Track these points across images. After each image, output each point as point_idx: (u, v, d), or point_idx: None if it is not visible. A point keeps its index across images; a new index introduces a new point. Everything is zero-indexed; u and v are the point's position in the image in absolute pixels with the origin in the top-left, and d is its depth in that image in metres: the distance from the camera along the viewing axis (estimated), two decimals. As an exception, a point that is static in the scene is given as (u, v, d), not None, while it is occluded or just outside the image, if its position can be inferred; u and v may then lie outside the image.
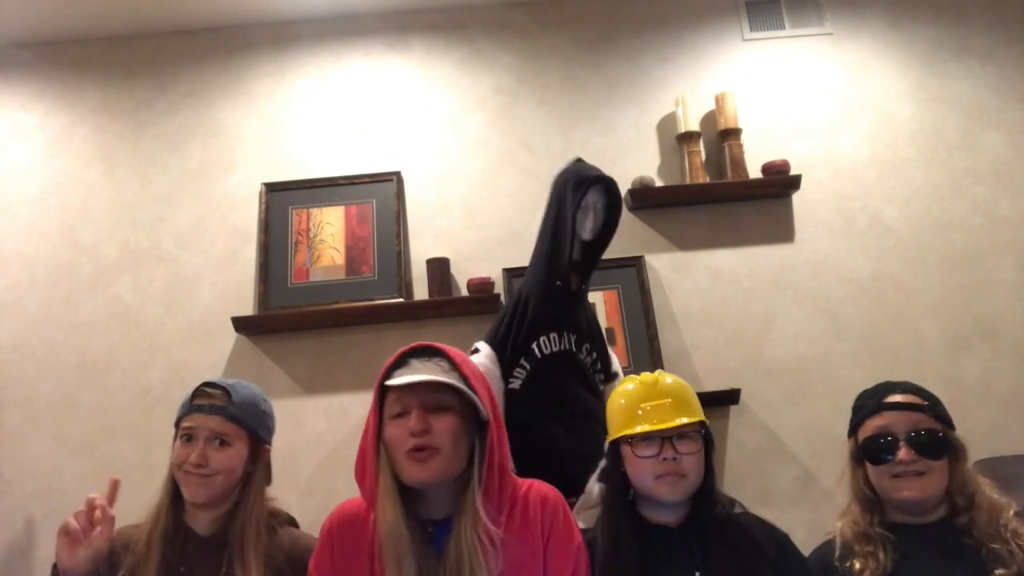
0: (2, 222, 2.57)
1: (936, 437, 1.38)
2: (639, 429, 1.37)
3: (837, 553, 1.41)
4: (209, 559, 1.43)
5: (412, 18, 2.75)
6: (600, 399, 1.85)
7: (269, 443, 1.59)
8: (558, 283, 1.86)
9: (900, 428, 1.40)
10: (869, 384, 2.38)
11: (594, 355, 1.93)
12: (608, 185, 1.88)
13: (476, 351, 1.84)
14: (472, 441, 1.30)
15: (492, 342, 1.85)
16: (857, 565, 1.36)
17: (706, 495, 1.40)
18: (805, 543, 1.48)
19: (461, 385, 1.28)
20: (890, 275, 2.50)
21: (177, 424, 1.52)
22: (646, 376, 1.46)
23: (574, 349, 1.88)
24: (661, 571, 1.35)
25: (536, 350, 1.83)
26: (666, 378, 1.45)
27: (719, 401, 2.33)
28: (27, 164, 2.63)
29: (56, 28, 2.66)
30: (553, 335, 1.85)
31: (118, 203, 2.59)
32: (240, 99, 2.69)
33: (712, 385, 2.38)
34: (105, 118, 2.67)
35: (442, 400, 1.28)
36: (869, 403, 1.48)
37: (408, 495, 1.27)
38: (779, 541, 1.42)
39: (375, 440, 1.29)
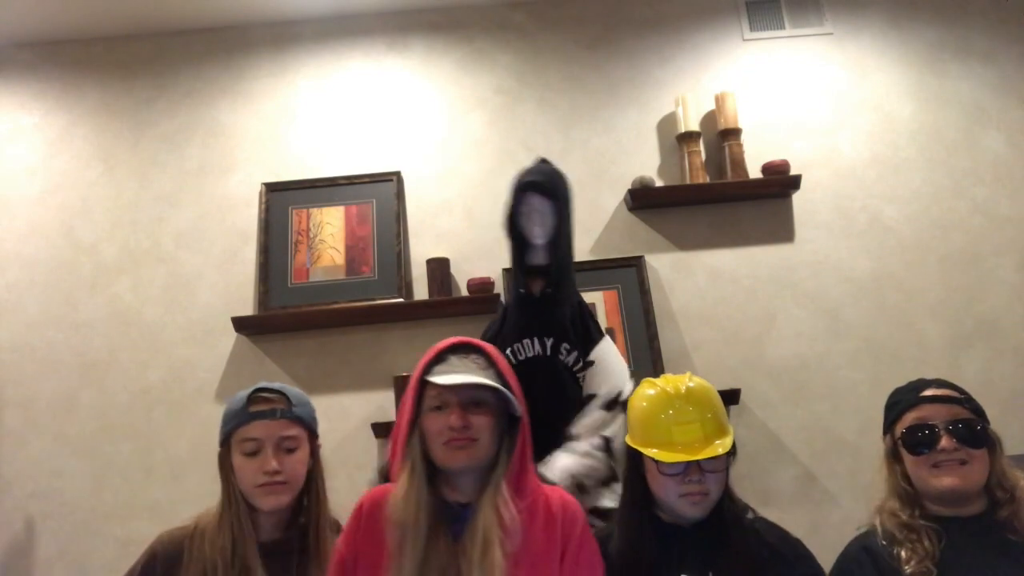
0: (2, 222, 2.57)
1: (975, 427, 1.39)
2: (670, 459, 1.32)
3: (881, 537, 1.39)
4: (276, 565, 1.40)
5: (412, 18, 2.75)
6: (577, 400, 1.85)
7: (319, 439, 1.55)
8: (521, 290, 1.88)
9: (940, 419, 1.40)
10: (869, 384, 2.41)
11: (575, 354, 1.89)
12: (540, 189, 1.85)
13: None
14: (502, 432, 1.37)
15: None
16: (904, 553, 1.34)
17: (722, 497, 1.38)
18: (805, 543, 1.48)
19: (499, 386, 1.34)
20: (890, 275, 2.50)
21: (228, 437, 1.45)
22: (672, 382, 1.41)
23: (549, 353, 1.86)
24: (674, 570, 1.35)
25: (512, 356, 1.83)
26: (690, 382, 1.41)
27: (719, 401, 2.33)
28: (27, 164, 2.63)
29: (56, 28, 2.66)
30: (526, 341, 1.86)
31: (118, 203, 2.59)
32: (240, 99, 2.69)
33: (712, 385, 2.37)
34: (105, 118, 2.67)
35: (480, 397, 1.34)
36: (906, 398, 1.47)
37: (436, 479, 1.34)
38: (794, 545, 1.42)
39: (408, 428, 1.36)
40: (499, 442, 1.36)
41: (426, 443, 1.34)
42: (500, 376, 1.37)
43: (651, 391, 1.42)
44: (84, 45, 2.73)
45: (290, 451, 1.44)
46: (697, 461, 1.32)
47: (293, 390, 1.52)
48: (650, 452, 1.36)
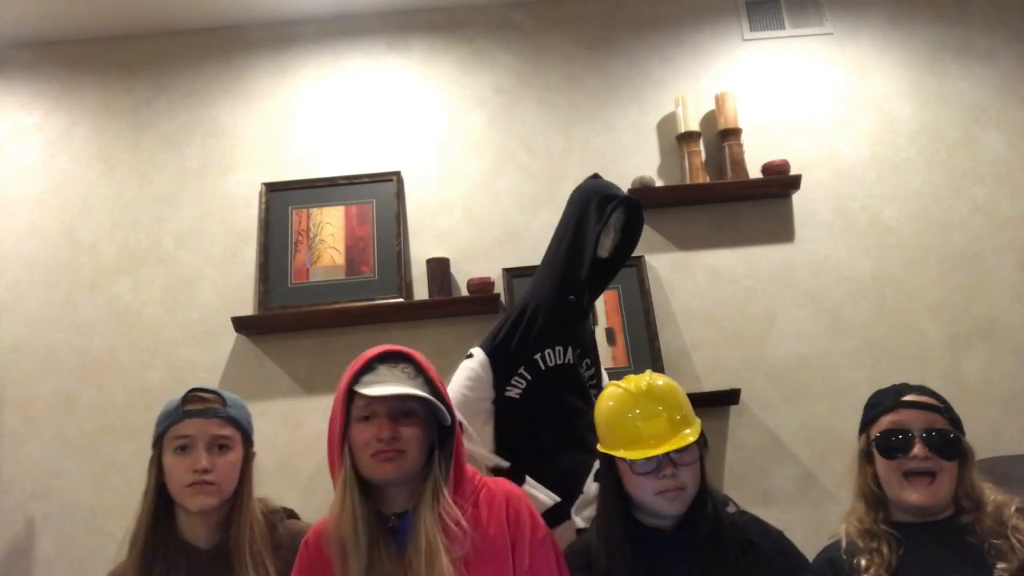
0: (2, 222, 2.57)
1: (949, 438, 1.39)
2: (639, 456, 1.32)
3: (844, 549, 1.41)
4: (216, 573, 1.40)
5: (412, 18, 2.75)
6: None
7: (253, 447, 1.55)
8: (571, 297, 1.85)
9: (916, 425, 1.41)
10: (869, 384, 2.38)
11: (592, 369, 1.93)
12: (635, 207, 1.90)
13: (470, 356, 1.83)
14: (432, 440, 1.35)
15: (488, 348, 1.83)
16: (863, 562, 1.36)
17: (701, 498, 1.39)
18: (805, 543, 1.48)
19: (428, 395, 1.32)
20: (890, 275, 2.50)
21: (160, 437, 1.46)
22: (634, 382, 1.41)
23: (575, 363, 1.87)
24: (656, 574, 1.35)
25: (540, 362, 1.81)
26: (656, 381, 1.41)
27: (719, 401, 2.33)
28: (27, 164, 2.63)
29: (56, 28, 2.66)
30: (559, 348, 1.83)
31: (118, 203, 2.59)
32: (240, 99, 2.69)
33: (712, 385, 2.38)
34: (105, 118, 2.67)
35: (408, 407, 1.33)
36: (886, 400, 1.48)
37: (369, 491, 1.32)
38: (775, 539, 1.42)
39: (340, 440, 1.34)
40: (428, 451, 1.34)
41: (354, 454, 1.32)
42: (429, 384, 1.35)
43: (615, 392, 1.42)
44: (84, 45, 2.73)
45: (223, 450, 1.44)
46: (668, 455, 1.32)
47: (230, 394, 1.52)
48: (619, 453, 1.36)
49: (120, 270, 2.53)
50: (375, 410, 1.31)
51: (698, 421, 1.40)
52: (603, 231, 1.85)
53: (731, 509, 1.44)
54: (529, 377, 1.81)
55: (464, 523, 1.27)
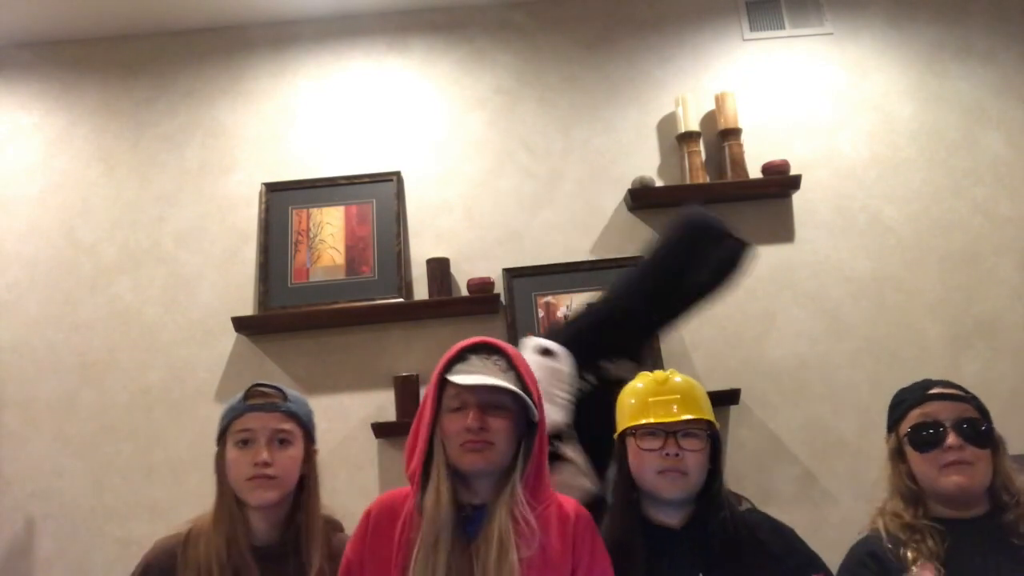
0: (2, 222, 2.57)
1: (981, 427, 1.39)
2: (643, 421, 1.38)
3: (886, 540, 1.39)
4: (272, 570, 1.38)
5: (412, 18, 2.75)
6: None
7: (316, 444, 1.54)
8: (655, 318, 1.83)
9: (947, 416, 1.40)
10: (869, 384, 2.41)
11: None
12: (747, 252, 1.83)
13: (549, 352, 1.74)
14: (520, 436, 1.36)
15: (566, 342, 1.76)
16: (909, 553, 1.34)
17: (712, 497, 1.39)
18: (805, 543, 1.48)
19: (519, 390, 1.32)
20: (890, 275, 2.50)
21: (224, 432, 1.45)
22: (657, 374, 1.47)
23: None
24: (664, 573, 1.35)
25: (605, 370, 1.77)
26: (676, 376, 1.46)
27: (719, 401, 2.32)
28: (27, 164, 2.63)
29: (56, 28, 2.66)
30: (624, 363, 1.78)
31: (118, 203, 2.59)
32: (240, 99, 2.69)
33: (712, 385, 2.37)
34: (105, 118, 2.67)
35: (499, 400, 1.33)
36: (912, 396, 1.46)
37: (452, 480, 1.33)
38: (785, 536, 1.42)
39: (430, 428, 1.34)
40: (516, 446, 1.34)
41: (446, 445, 1.33)
42: (520, 379, 1.35)
43: (639, 384, 1.48)
44: (84, 45, 2.73)
45: (284, 445, 1.43)
46: (675, 436, 1.36)
47: (292, 391, 1.52)
48: (626, 423, 1.41)
49: (120, 270, 2.53)
50: (466, 400, 1.32)
51: (712, 417, 1.43)
52: (700, 260, 1.80)
53: (744, 507, 1.45)
54: (593, 382, 1.76)
55: (534, 524, 1.27)
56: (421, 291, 2.49)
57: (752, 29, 2.75)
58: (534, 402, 1.34)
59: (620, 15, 2.75)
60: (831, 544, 1.48)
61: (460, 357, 1.37)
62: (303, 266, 2.49)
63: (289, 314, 2.42)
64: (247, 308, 2.47)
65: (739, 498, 1.47)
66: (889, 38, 2.73)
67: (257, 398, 1.46)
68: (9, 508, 2.33)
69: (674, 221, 1.90)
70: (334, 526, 1.53)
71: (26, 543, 2.31)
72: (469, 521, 1.31)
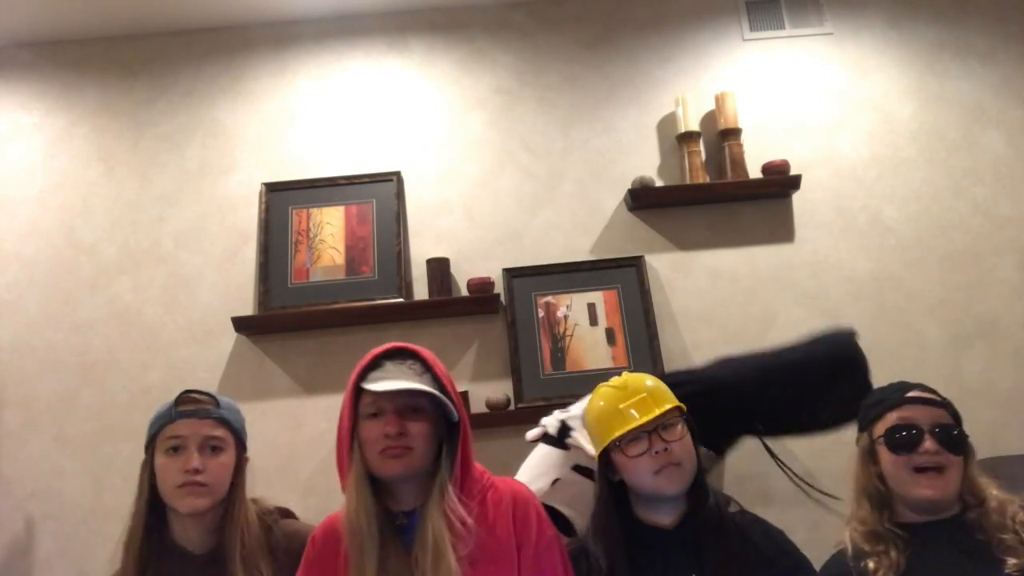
0: (2, 222, 2.57)
1: (955, 434, 1.40)
2: (627, 428, 1.38)
3: (851, 556, 1.40)
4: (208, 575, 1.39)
5: (412, 18, 2.75)
6: None
7: (247, 451, 1.54)
8: (758, 427, 1.80)
9: (924, 421, 1.41)
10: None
11: None
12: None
13: (568, 429, 1.68)
14: (440, 437, 1.35)
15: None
16: (871, 564, 1.35)
17: (698, 489, 1.40)
18: (805, 543, 1.48)
19: (435, 391, 1.32)
20: (890, 275, 2.50)
21: (153, 439, 1.44)
22: (613, 381, 1.48)
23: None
24: (658, 574, 1.35)
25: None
26: (631, 377, 1.48)
27: (719, 401, 2.32)
28: (27, 164, 2.63)
29: (56, 28, 2.66)
30: (708, 452, 1.73)
31: (118, 203, 2.59)
32: (240, 99, 2.69)
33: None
34: (105, 118, 2.67)
35: (416, 403, 1.33)
36: (890, 397, 1.47)
37: (378, 489, 1.33)
38: (776, 539, 1.42)
39: (349, 437, 1.34)
40: (438, 448, 1.34)
41: (363, 452, 1.32)
42: (436, 381, 1.35)
43: (600, 393, 1.49)
44: (84, 45, 2.73)
45: (215, 452, 1.42)
46: (656, 432, 1.38)
47: (224, 397, 1.52)
48: (610, 437, 1.41)
49: (120, 270, 2.53)
50: (382, 407, 1.32)
51: (676, 401, 1.45)
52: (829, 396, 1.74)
53: (733, 508, 1.45)
54: None
55: (470, 522, 1.27)
56: (421, 291, 2.49)
57: (752, 29, 2.75)
58: (452, 402, 1.33)
59: (620, 15, 2.75)
60: (831, 544, 1.48)
61: (374, 364, 1.36)
62: (303, 266, 2.49)
63: (289, 314, 2.42)
64: (247, 308, 2.47)
65: (728, 499, 1.47)
66: (889, 38, 2.73)
67: (188, 404, 1.45)
68: (9, 508, 2.33)
69: (823, 337, 1.83)
70: (274, 516, 1.52)
71: (26, 543, 2.31)
72: (404, 529, 1.30)
